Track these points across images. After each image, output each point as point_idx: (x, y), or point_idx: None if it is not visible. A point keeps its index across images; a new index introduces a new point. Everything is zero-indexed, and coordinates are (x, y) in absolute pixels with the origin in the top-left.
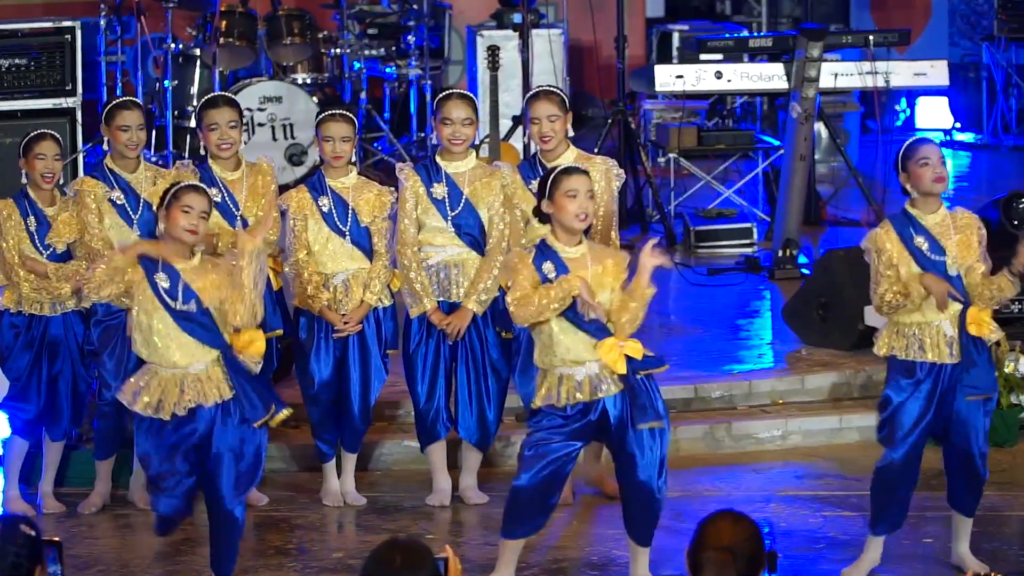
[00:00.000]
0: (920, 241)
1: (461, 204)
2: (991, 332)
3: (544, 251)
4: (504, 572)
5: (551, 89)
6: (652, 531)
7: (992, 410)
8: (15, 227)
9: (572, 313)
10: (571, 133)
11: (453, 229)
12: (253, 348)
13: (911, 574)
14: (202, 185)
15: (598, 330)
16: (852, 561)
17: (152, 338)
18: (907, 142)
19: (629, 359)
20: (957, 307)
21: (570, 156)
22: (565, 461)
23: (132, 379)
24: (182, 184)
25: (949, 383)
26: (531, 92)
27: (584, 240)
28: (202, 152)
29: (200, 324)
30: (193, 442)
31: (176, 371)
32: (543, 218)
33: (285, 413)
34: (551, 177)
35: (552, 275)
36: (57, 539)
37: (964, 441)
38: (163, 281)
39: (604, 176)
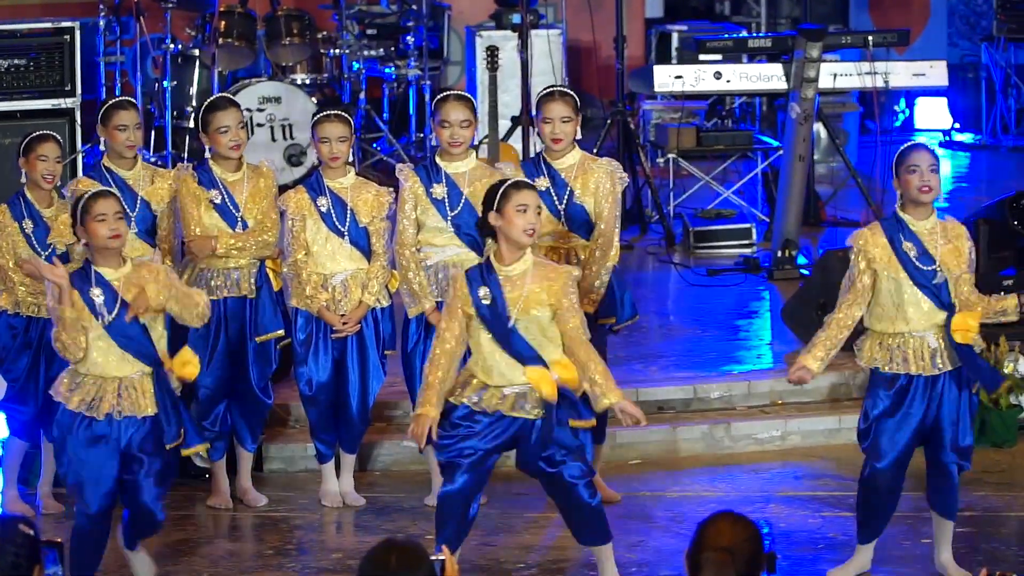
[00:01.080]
0: (909, 247)
1: (461, 204)
2: (978, 339)
3: (484, 275)
4: None
5: (566, 91)
6: (603, 531)
7: (974, 411)
8: (9, 233)
9: (503, 336)
10: (579, 136)
11: (452, 229)
12: (186, 370)
13: (910, 574)
14: (106, 188)
15: (530, 357)
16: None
17: (90, 351)
18: (903, 146)
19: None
20: (942, 317)
21: (575, 157)
22: (483, 469)
23: (65, 378)
24: (87, 195)
25: (933, 393)
26: (545, 91)
27: (528, 254)
28: (207, 154)
29: (136, 339)
30: (120, 449)
31: (112, 378)
32: (487, 231)
33: (197, 448)
34: (501, 190)
35: (487, 301)
36: (59, 540)
37: (939, 444)
38: (98, 296)
39: (609, 178)
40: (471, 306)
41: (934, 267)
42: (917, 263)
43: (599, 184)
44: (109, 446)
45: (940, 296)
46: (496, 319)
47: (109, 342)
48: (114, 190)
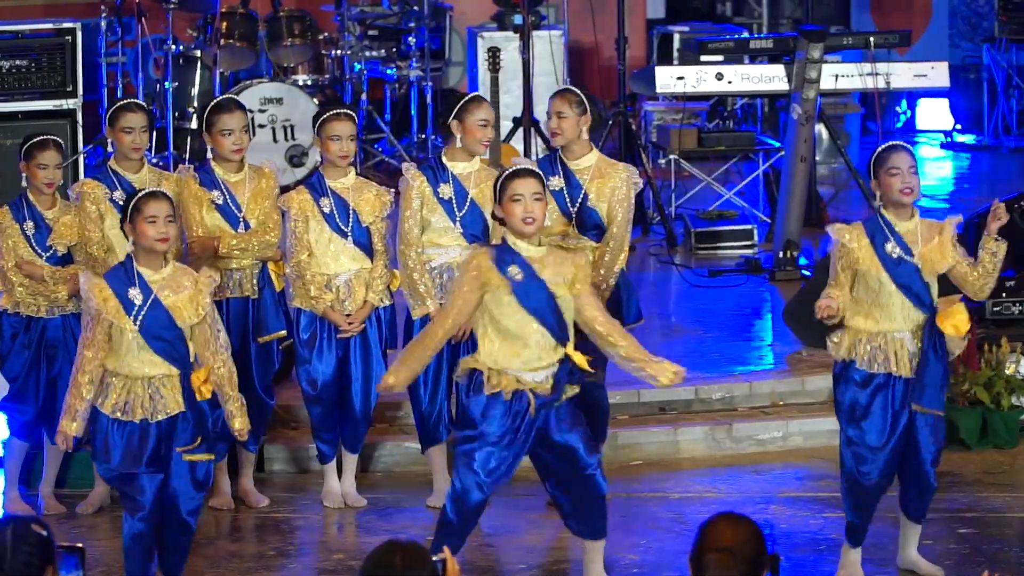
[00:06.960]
0: (892, 247)
1: (467, 205)
2: (966, 331)
3: (506, 253)
4: None
5: (569, 88)
6: (603, 525)
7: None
8: (10, 235)
9: (541, 306)
10: (585, 136)
11: (460, 230)
12: (204, 388)
13: (908, 574)
14: (161, 190)
15: (564, 329)
16: None
17: (120, 350)
18: (880, 148)
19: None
20: (922, 319)
21: (592, 159)
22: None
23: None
24: (141, 194)
25: (903, 396)
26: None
27: (543, 242)
28: (209, 155)
29: (171, 343)
30: (152, 447)
31: (140, 378)
32: (501, 221)
33: (200, 457)
34: (499, 182)
35: (519, 277)
36: (79, 545)
37: (915, 450)
38: (136, 297)
39: (625, 184)
40: (499, 281)
41: (915, 263)
42: (899, 265)
43: (615, 190)
44: (141, 451)
45: (921, 297)
46: (532, 292)
47: (144, 346)
48: (169, 192)
